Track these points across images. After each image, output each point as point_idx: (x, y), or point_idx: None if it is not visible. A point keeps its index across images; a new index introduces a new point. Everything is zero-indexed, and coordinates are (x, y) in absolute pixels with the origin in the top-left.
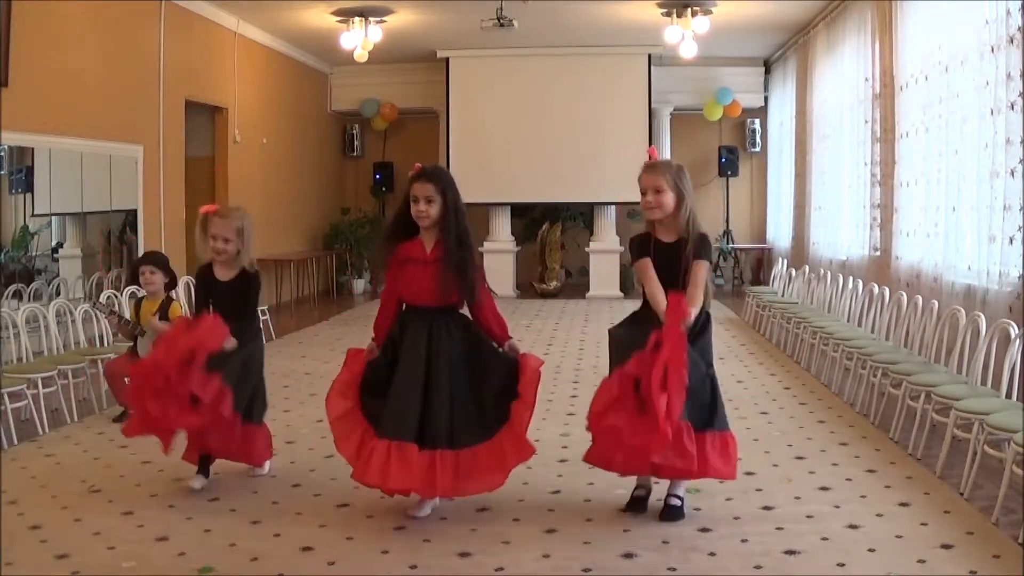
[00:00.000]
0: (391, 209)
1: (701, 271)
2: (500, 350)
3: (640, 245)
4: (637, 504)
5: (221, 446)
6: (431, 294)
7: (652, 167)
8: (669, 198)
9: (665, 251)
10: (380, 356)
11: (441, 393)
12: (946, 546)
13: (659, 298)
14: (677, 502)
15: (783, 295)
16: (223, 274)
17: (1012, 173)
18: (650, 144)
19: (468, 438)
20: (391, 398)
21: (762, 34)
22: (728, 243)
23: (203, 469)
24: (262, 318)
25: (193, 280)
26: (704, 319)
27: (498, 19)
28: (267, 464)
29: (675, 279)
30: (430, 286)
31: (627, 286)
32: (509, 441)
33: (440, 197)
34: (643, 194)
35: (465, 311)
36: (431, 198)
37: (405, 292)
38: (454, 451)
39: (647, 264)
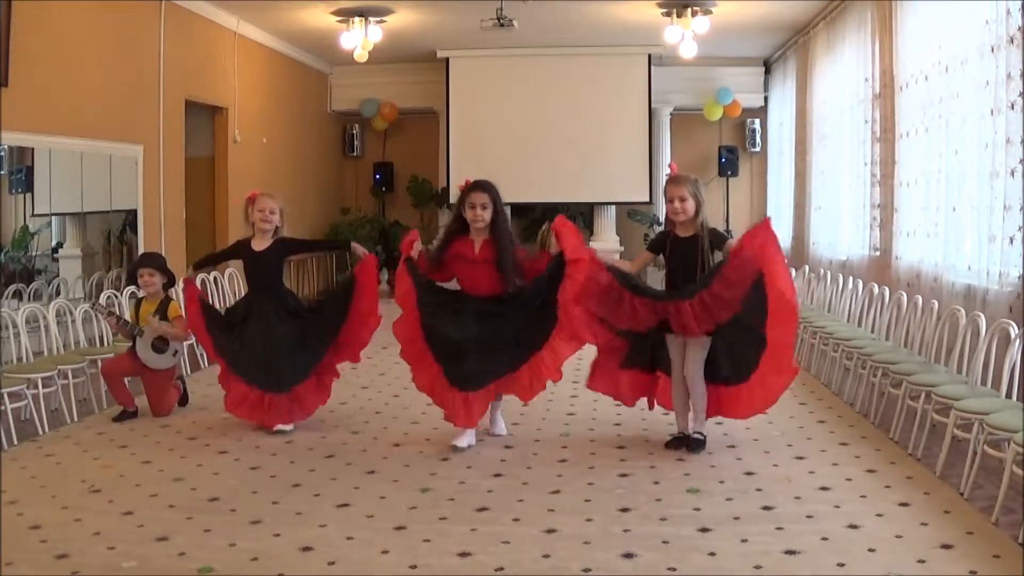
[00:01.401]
0: (391, 209)
1: (732, 243)
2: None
3: (658, 239)
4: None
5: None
6: (481, 288)
7: (676, 179)
8: (691, 205)
9: (682, 243)
10: (439, 315)
11: (495, 348)
12: (946, 546)
13: (626, 265)
14: (700, 436)
15: None
16: (259, 245)
17: (1012, 173)
18: (650, 144)
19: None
20: (462, 358)
21: (762, 34)
22: None
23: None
24: None
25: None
26: None
27: (498, 19)
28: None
29: (691, 265)
30: (481, 282)
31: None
32: (563, 332)
33: (492, 205)
34: (670, 202)
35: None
36: (485, 204)
37: (461, 284)
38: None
39: (644, 253)
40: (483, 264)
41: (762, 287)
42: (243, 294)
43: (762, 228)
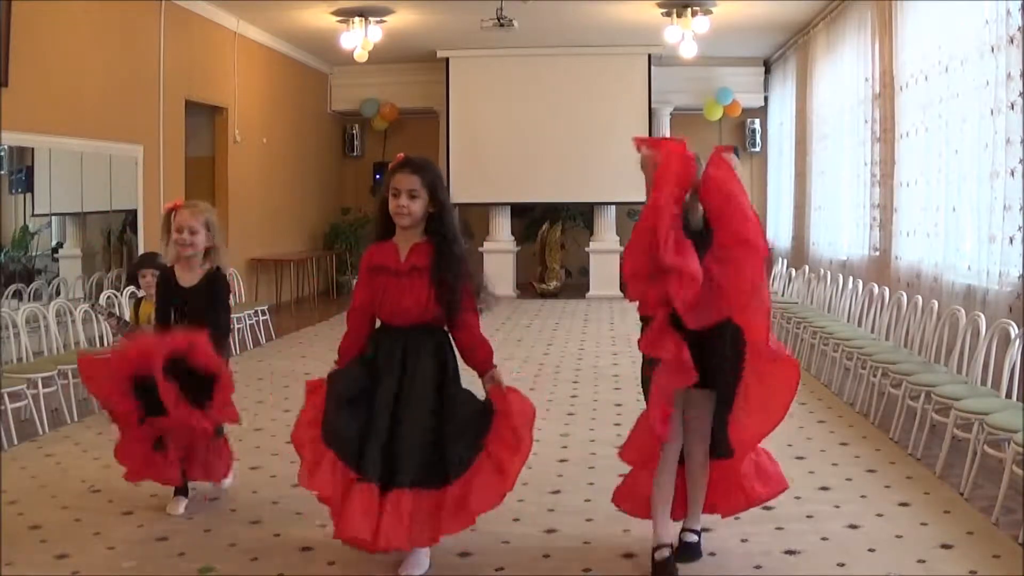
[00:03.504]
0: None
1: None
2: (468, 390)
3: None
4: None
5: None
6: (407, 312)
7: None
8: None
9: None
10: (358, 375)
11: (411, 427)
12: (946, 546)
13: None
14: (694, 538)
15: (783, 295)
16: (186, 278)
17: (1012, 173)
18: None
19: (428, 479)
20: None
21: (762, 34)
22: None
23: (182, 491)
24: (261, 318)
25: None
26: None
27: (498, 19)
28: (227, 481)
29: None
30: (406, 302)
31: (625, 287)
32: (474, 488)
33: (426, 192)
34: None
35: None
36: (415, 192)
37: (378, 309)
38: (421, 491)
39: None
40: (408, 275)
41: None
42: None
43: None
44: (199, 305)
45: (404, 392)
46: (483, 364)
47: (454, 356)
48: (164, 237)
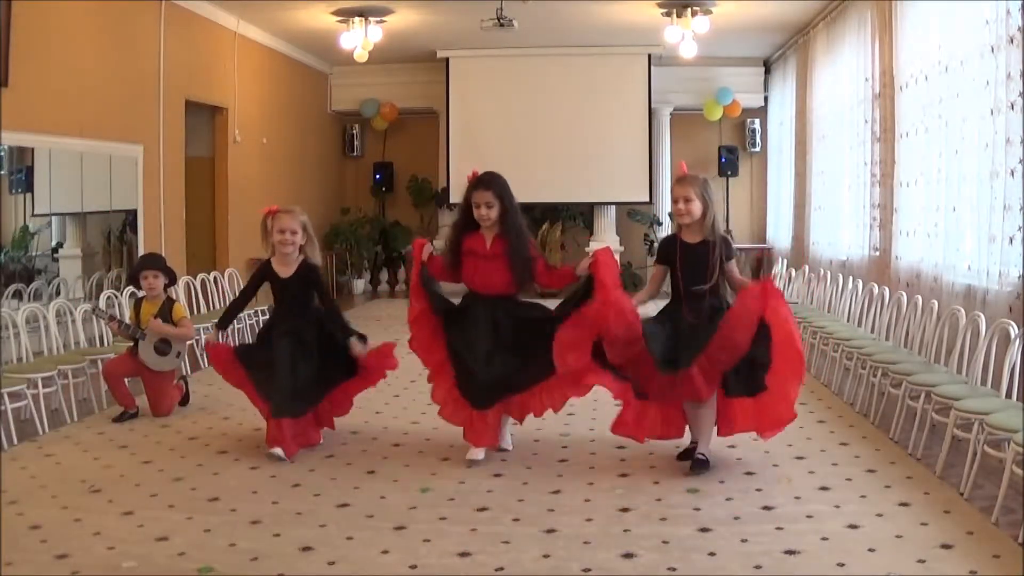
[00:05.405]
0: (391, 209)
1: (734, 269)
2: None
3: (666, 246)
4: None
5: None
6: (493, 285)
7: (682, 180)
8: (697, 206)
9: (690, 249)
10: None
11: (506, 357)
12: (946, 546)
13: (644, 294)
14: (703, 457)
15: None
16: (284, 271)
17: (1012, 173)
18: (650, 144)
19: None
20: (473, 374)
21: (762, 34)
22: None
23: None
24: (262, 318)
25: (252, 270)
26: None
27: (498, 19)
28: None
29: (700, 272)
30: (493, 278)
31: (626, 286)
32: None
33: (498, 201)
34: (674, 202)
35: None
36: (490, 203)
37: (469, 281)
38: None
39: (657, 270)
40: (494, 259)
41: (767, 331)
42: (268, 318)
43: (761, 290)
44: (295, 291)
45: (492, 341)
46: (570, 282)
47: (533, 315)
48: (264, 236)
